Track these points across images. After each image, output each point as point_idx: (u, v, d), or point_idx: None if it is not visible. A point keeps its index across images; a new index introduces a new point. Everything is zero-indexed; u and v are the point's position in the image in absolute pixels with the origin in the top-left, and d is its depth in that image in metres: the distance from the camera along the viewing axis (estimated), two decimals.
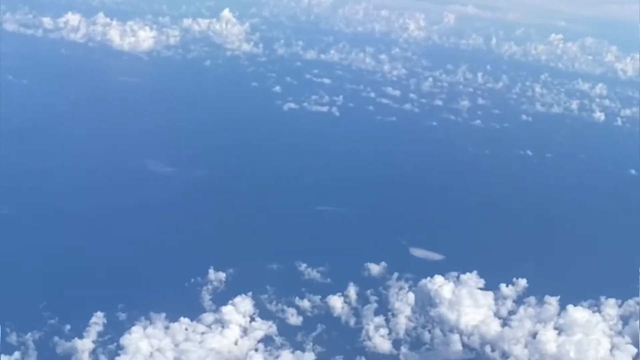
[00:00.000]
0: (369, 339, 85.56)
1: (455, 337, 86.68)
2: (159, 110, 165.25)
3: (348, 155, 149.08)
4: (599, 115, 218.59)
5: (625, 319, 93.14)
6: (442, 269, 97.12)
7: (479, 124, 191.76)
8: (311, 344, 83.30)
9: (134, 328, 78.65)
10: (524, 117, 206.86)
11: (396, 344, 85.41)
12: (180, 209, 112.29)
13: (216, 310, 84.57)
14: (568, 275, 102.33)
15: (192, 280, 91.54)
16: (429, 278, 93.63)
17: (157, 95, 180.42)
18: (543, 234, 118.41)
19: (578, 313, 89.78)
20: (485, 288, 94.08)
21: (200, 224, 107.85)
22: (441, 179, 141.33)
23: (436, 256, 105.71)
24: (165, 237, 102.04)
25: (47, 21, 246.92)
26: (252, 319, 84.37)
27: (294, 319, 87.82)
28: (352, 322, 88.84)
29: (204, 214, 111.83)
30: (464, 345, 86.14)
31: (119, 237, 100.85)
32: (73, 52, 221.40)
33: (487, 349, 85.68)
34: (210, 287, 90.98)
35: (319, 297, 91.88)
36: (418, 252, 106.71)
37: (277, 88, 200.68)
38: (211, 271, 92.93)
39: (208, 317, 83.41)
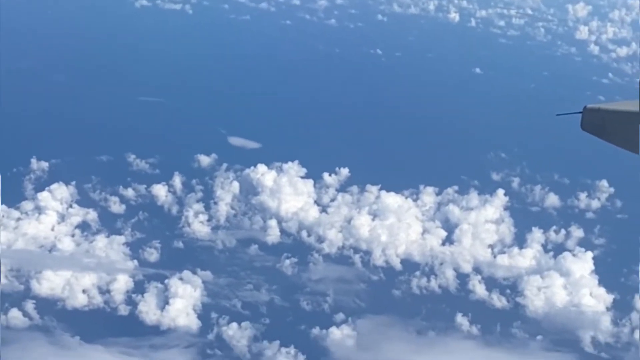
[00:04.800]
0: (188, 225, 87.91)
1: (273, 222, 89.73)
2: None
3: (184, 50, 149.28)
4: (454, 16, 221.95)
5: (441, 206, 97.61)
6: (267, 158, 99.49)
7: (334, 24, 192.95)
8: (129, 229, 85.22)
9: None
10: (379, 17, 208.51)
11: (215, 229, 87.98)
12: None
13: (36, 199, 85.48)
14: (393, 166, 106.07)
15: (14, 169, 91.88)
16: (252, 167, 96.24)
17: None
18: (374, 127, 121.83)
19: (391, 199, 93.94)
20: (307, 177, 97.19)
21: (22, 115, 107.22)
22: (277, 74, 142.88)
23: (253, 144, 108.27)
24: None
25: None
26: (70, 206, 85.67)
27: (117, 207, 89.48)
28: (174, 210, 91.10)
29: (26, 105, 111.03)
30: (281, 230, 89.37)
31: None
32: None
33: (304, 234, 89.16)
34: (32, 176, 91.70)
35: (144, 186, 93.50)
36: (236, 141, 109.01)
37: None
38: (33, 161, 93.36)
39: (27, 205, 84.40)
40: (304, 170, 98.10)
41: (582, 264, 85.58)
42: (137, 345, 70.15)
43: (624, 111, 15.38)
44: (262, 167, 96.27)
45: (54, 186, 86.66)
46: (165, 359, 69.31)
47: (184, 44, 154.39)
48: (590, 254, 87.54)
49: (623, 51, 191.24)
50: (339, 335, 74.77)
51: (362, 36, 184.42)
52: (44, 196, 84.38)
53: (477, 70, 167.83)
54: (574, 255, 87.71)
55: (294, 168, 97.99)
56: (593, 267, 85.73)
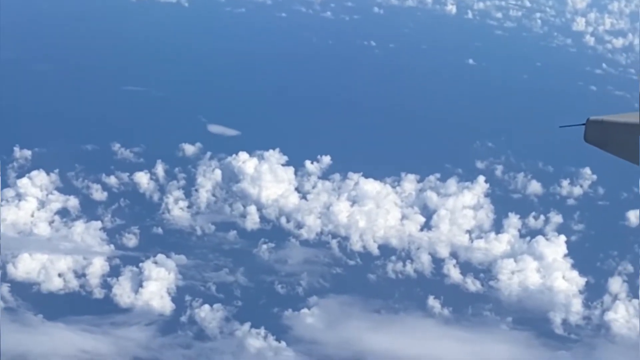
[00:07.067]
0: (168, 211, 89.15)
1: (253, 209, 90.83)
2: None
3: (175, 42, 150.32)
4: (451, 9, 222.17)
5: (421, 193, 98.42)
6: (250, 146, 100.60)
7: (329, 16, 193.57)
8: (110, 216, 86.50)
9: None
10: (376, 9, 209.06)
11: (195, 216, 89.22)
12: None
13: (16, 186, 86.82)
14: (378, 154, 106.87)
15: None
16: (234, 155, 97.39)
17: None
18: (361, 116, 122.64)
19: (370, 185, 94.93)
20: (289, 164, 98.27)
21: (5, 104, 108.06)
22: (268, 65, 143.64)
23: (232, 132, 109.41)
24: None
25: None
26: (50, 193, 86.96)
27: (99, 194, 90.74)
28: (155, 197, 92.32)
29: (10, 94, 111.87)
30: (261, 217, 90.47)
31: None
32: None
33: (283, 220, 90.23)
34: (15, 164, 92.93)
35: (127, 174, 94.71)
36: (215, 128, 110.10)
37: None
38: (16, 149, 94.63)
39: (8, 192, 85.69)
40: (285, 158, 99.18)
41: (555, 248, 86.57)
42: (99, 323, 71.45)
43: (627, 123, 15.60)
44: (243, 155, 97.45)
45: (34, 173, 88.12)
46: (125, 336, 70.59)
47: (176, 36, 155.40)
48: (563, 238, 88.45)
49: (619, 42, 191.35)
50: (308, 316, 76.04)
51: (356, 28, 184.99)
52: (23, 183, 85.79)
53: (470, 61, 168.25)
54: (547, 239, 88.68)
55: (275, 156, 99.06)
56: (566, 251, 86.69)
